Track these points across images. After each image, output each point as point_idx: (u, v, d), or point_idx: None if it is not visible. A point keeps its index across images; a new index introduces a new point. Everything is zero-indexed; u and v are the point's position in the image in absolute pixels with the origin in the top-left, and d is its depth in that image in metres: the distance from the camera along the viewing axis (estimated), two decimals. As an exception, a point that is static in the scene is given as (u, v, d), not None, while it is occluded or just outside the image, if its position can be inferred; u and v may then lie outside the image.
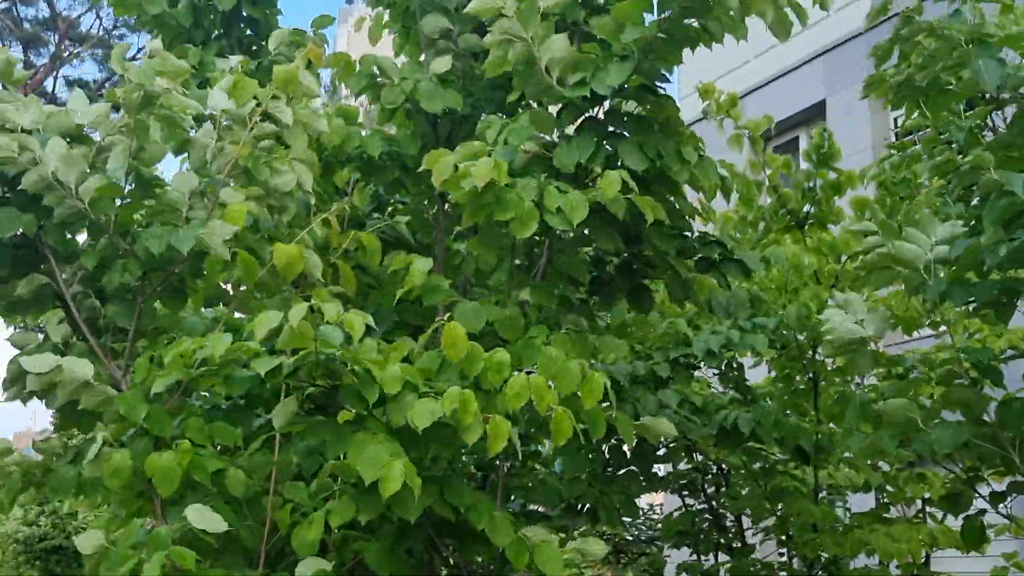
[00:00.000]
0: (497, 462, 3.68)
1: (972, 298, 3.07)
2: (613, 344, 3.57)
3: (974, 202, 3.00)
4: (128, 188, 3.25)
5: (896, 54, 3.64)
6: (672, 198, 3.60)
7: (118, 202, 3.22)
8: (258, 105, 3.24)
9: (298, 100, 3.32)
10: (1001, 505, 3.48)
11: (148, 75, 3.06)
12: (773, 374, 5.60)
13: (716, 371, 5.39)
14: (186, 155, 3.49)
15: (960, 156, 3.14)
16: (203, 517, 2.77)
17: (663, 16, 3.25)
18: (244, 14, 4.40)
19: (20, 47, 17.74)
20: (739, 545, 5.24)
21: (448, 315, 3.05)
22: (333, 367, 2.88)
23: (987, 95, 3.16)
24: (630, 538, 9.83)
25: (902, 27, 3.34)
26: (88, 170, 3.14)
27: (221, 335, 2.88)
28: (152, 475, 2.85)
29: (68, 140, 3.18)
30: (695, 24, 3.30)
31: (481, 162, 2.98)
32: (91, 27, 17.04)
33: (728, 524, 5.34)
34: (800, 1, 3.26)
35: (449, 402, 2.74)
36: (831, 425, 4.81)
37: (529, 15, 3.19)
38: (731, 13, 3.22)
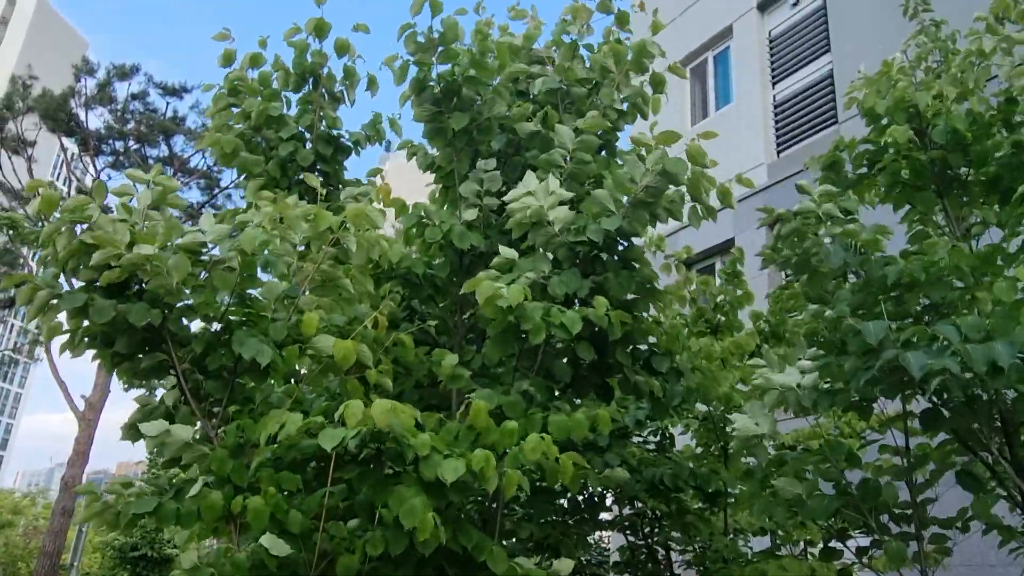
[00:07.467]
0: (494, 506, 3.64)
1: (834, 405, 3.14)
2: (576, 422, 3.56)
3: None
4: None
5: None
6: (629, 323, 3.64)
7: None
8: (331, 232, 3.22)
9: (362, 228, 3.25)
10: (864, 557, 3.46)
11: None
12: (695, 442, 5.62)
13: (652, 440, 5.41)
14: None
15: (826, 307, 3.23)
16: (274, 543, 2.79)
17: (634, 195, 3.45)
18: (319, 167, 4.49)
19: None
20: (668, 574, 5.16)
21: (469, 399, 3.04)
22: (381, 436, 2.85)
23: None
24: (585, 562, 9.61)
25: (780, 231, 3.43)
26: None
27: (295, 415, 2.82)
28: (246, 513, 2.83)
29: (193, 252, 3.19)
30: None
31: (513, 288, 3.00)
32: (197, 163, 17.55)
33: (660, 557, 5.27)
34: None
35: (477, 461, 2.73)
36: (739, 486, 4.80)
37: (543, 193, 3.33)
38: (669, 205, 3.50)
